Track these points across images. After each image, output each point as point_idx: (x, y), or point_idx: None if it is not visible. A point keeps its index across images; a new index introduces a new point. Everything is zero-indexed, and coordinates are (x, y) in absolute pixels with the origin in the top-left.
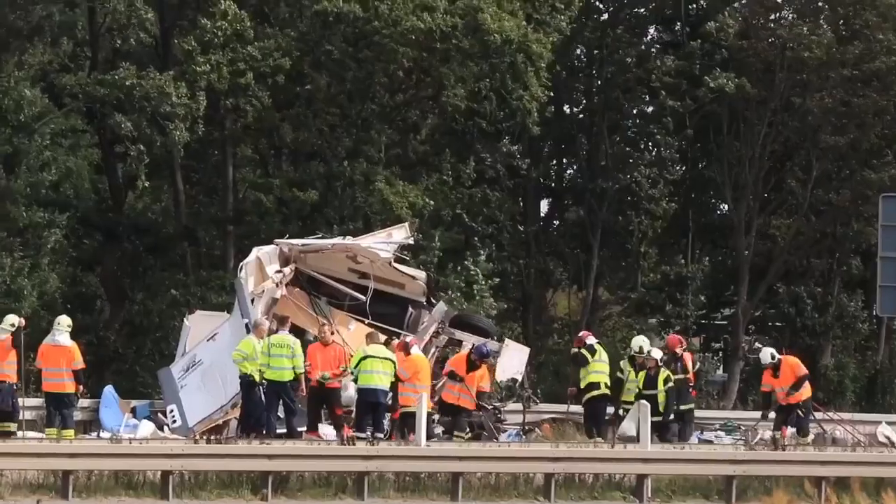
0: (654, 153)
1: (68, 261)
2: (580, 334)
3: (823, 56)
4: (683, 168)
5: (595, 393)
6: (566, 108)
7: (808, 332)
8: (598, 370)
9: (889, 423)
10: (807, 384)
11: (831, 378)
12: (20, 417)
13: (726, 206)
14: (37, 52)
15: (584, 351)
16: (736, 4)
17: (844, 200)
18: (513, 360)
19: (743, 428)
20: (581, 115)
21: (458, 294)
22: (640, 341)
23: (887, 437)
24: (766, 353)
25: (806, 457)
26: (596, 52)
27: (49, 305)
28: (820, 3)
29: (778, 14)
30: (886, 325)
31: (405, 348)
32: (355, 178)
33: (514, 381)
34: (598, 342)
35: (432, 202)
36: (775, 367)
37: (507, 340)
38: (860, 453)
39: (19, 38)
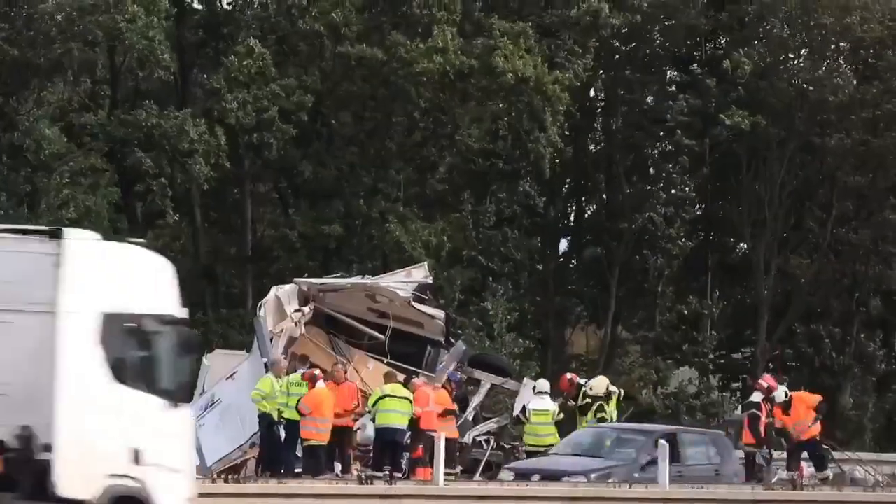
0: (671, 192)
1: None
2: (568, 376)
3: (845, 98)
4: (702, 207)
5: None
6: (584, 148)
7: (827, 372)
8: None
9: None
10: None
11: (850, 418)
12: None
13: (745, 245)
14: (56, 90)
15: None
16: (756, 43)
17: (864, 240)
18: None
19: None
20: (599, 154)
21: (478, 333)
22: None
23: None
24: (781, 392)
25: (825, 496)
26: (613, 94)
27: None
28: (841, 45)
29: (797, 54)
30: None
31: (312, 381)
32: (373, 216)
33: None
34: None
35: (446, 239)
36: (787, 405)
37: (525, 380)
38: (879, 493)
39: (39, 76)
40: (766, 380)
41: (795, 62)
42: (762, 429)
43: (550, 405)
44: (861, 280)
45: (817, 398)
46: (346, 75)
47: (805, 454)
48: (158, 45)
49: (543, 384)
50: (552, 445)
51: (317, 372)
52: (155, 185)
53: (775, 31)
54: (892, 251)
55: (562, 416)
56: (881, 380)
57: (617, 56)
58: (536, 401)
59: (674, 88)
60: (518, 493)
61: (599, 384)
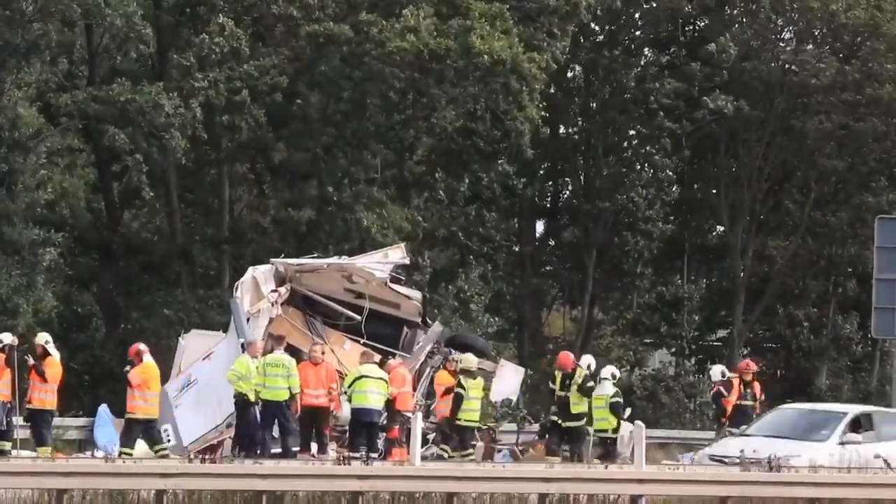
0: (650, 174)
1: (64, 279)
2: (571, 356)
3: (827, 81)
4: (679, 189)
5: (585, 422)
6: (562, 129)
7: (802, 354)
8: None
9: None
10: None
11: (825, 399)
12: (15, 436)
13: (723, 228)
14: (34, 70)
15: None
16: (736, 26)
17: (841, 223)
18: (508, 380)
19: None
20: (577, 136)
21: (454, 313)
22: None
23: (882, 459)
24: (717, 371)
25: (800, 478)
26: (592, 76)
27: (45, 324)
28: (824, 30)
29: (779, 36)
30: (881, 347)
31: (138, 355)
32: (344, 200)
33: (508, 401)
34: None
35: (422, 220)
36: (727, 385)
37: (501, 360)
38: (854, 475)
39: (16, 56)
40: (751, 365)
41: (779, 45)
42: (727, 407)
43: (607, 391)
44: (838, 262)
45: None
46: (320, 55)
47: None
48: (140, 22)
49: (605, 371)
50: (605, 430)
51: (142, 346)
52: (130, 160)
53: (761, 14)
54: (869, 234)
55: (616, 399)
56: (857, 361)
57: (598, 38)
58: (597, 388)
59: (653, 71)
60: (493, 474)
61: (469, 360)
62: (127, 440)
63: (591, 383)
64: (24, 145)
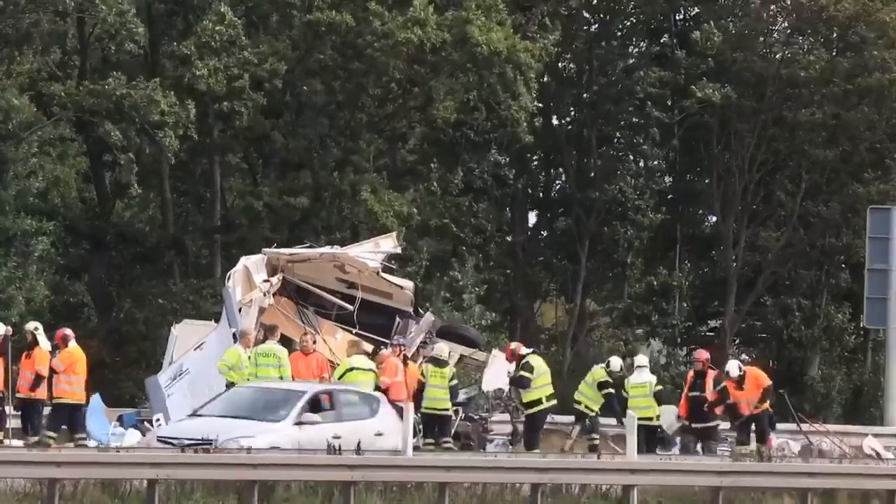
0: (641, 164)
1: (55, 269)
2: (512, 346)
3: (818, 74)
4: (671, 179)
5: (538, 409)
6: (554, 120)
7: (794, 344)
8: (539, 385)
9: (875, 436)
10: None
11: (818, 390)
12: (7, 425)
13: (714, 218)
14: (25, 60)
15: (523, 372)
16: (730, 18)
17: (833, 213)
18: (500, 370)
19: (729, 439)
20: (570, 126)
21: (446, 304)
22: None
23: (873, 450)
24: (734, 366)
25: (792, 468)
26: (586, 65)
27: (37, 313)
28: (816, 21)
29: (772, 27)
30: (873, 337)
31: (64, 340)
32: (343, 188)
33: (500, 391)
34: (533, 351)
35: (416, 211)
36: (740, 380)
37: (494, 351)
38: (846, 465)
39: (8, 46)
40: (700, 354)
41: (769, 37)
42: (682, 401)
43: (648, 378)
44: (830, 252)
45: (766, 382)
46: (316, 44)
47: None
48: (131, 19)
49: (642, 359)
50: (650, 418)
51: (67, 331)
52: (122, 158)
53: (753, 4)
54: (861, 223)
55: (660, 387)
56: (849, 352)
57: (592, 27)
58: (634, 375)
59: (645, 61)
60: (486, 464)
61: (439, 348)
62: (53, 424)
63: (523, 373)
64: (16, 135)
